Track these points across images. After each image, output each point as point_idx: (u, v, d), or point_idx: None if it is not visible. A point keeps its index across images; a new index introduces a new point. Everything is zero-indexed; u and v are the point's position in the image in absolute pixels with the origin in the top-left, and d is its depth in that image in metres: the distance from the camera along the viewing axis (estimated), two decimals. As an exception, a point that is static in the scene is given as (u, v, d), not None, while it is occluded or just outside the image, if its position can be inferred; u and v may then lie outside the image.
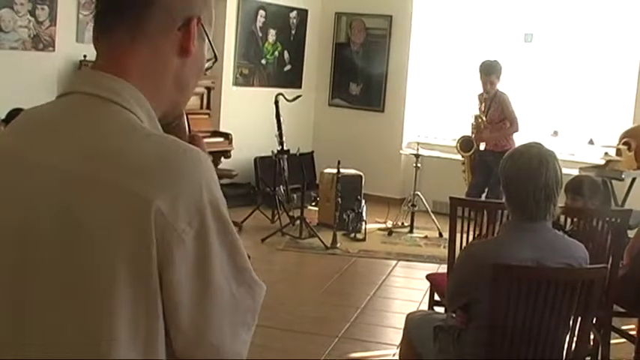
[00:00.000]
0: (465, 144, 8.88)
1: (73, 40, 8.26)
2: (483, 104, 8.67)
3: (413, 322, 4.17)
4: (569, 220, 4.92)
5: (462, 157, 8.99)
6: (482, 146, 8.79)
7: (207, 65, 1.66)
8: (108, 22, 1.54)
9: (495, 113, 8.56)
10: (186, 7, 1.54)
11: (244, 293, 1.48)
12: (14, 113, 6.41)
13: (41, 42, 7.97)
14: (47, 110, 1.58)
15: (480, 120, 8.66)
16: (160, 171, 1.38)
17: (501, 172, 3.53)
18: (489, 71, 8.47)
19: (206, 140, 9.09)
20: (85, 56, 8.16)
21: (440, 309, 4.97)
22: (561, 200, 3.71)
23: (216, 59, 1.69)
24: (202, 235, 1.39)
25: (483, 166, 8.58)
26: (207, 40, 1.60)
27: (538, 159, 3.40)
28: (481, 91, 8.70)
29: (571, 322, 3.51)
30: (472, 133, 8.84)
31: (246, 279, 1.49)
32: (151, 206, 1.34)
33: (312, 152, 11.21)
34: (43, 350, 1.40)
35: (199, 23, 1.55)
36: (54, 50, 8.08)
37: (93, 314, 1.38)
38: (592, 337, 4.63)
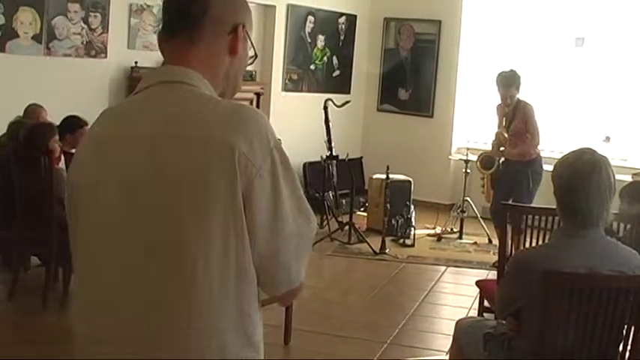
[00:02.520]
0: (485, 161, 8.62)
1: (125, 47, 8.36)
2: (505, 117, 8.14)
3: (463, 329, 4.14)
4: (622, 226, 4.85)
5: (482, 175, 8.77)
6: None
7: (249, 62, 2.04)
8: (172, 29, 1.92)
9: (520, 124, 8.02)
10: (234, 16, 1.93)
11: (303, 222, 1.85)
12: (69, 121, 6.51)
13: (94, 49, 8.08)
14: (130, 101, 1.99)
15: (501, 137, 8.20)
16: (237, 122, 1.78)
17: (553, 178, 3.49)
18: (508, 83, 7.96)
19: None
20: (136, 62, 8.25)
21: (490, 315, 4.93)
22: (614, 206, 3.66)
23: (256, 57, 2.08)
24: (274, 171, 1.78)
25: (508, 176, 8.16)
26: (249, 41, 1.98)
27: (590, 165, 3.35)
28: (499, 102, 8.22)
29: (624, 331, 3.46)
30: (492, 149, 8.46)
31: (304, 209, 1.86)
32: (235, 149, 1.73)
33: (361, 158, 11.20)
34: (146, 263, 1.77)
35: (244, 28, 1.95)
36: (106, 57, 8.19)
37: (192, 235, 1.74)
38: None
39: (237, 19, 1.93)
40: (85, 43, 7.97)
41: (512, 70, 8.04)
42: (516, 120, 8.05)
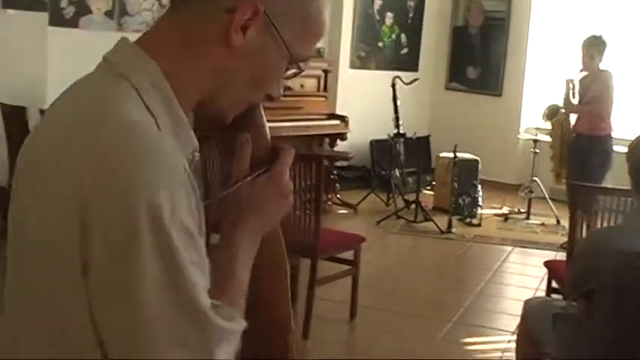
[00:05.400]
0: (551, 112, 8.50)
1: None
2: (579, 84, 7.91)
3: (531, 308, 4.12)
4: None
5: (551, 127, 8.63)
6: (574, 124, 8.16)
7: (287, 74, 1.39)
8: None
9: (599, 90, 7.76)
10: None
11: (186, 324, 1.16)
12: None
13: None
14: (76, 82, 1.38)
15: (571, 85, 7.94)
16: (97, 162, 1.14)
17: (628, 157, 3.44)
18: (588, 45, 7.76)
19: (322, 123, 9.18)
20: (206, 39, 8.32)
21: (557, 297, 4.89)
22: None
23: (300, 71, 1.37)
24: (130, 245, 1.11)
25: (577, 153, 7.95)
26: (281, 42, 1.29)
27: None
28: (570, 76, 8.05)
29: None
30: (564, 101, 8.16)
31: (194, 312, 1.17)
32: (74, 200, 1.13)
33: (429, 136, 11.14)
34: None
35: (256, 14, 1.25)
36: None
37: (26, 290, 1.25)
38: None
39: None
40: (155, 18, 8.04)
41: (598, 36, 7.85)
42: (594, 86, 7.82)
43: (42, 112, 6.04)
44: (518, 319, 4.40)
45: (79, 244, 1.13)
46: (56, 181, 1.17)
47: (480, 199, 9.17)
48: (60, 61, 6.75)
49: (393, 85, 9.06)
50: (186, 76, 1.27)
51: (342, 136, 9.39)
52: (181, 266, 1.14)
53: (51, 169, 1.18)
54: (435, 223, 8.52)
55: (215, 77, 1.29)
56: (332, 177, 8.98)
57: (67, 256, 1.15)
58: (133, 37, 1.33)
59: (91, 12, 7.47)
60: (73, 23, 7.30)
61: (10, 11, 6.56)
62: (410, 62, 11.25)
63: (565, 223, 8.34)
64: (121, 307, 1.13)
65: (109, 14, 7.62)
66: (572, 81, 8.03)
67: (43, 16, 6.79)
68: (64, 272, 1.16)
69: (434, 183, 9.74)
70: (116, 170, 1.13)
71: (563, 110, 8.33)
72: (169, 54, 1.26)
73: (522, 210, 9.41)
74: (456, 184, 8.78)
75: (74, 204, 1.13)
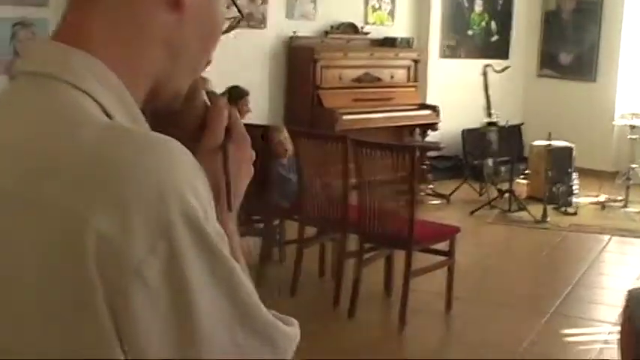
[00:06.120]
0: None
1: (283, 17, 8.48)
2: None
3: (635, 299, 4.00)
4: None
5: None
6: None
7: (227, 26, 1.18)
8: None
9: None
10: None
11: (256, 343, 0.97)
12: (232, 90, 6.65)
13: (253, 19, 8.22)
14: None
15: None
16: (103, 174, 0.89)
17: None
18: None
19: (413, 113, 9.14)
20: (294, 32, 8.35)
21: (661, 286, 4.75)
22: None
23: (242, 17, 1.22)
24: (175, 265, 0.88)
25: None
26: None
27: None
28: None
29: None
30: None
31: (256, 323, 0.96)
32: (86, 226, 0.86)
33: (521, 124, 10.95)
34: None
35: None
36: (265, 27, 8.32)
37: None
38: None
39: None
40: (245, 13, 8.11)
41: None
42: None
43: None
44: (618, 310, 4.30)
45: (100, 282, 0.86)
46: (42, 222, 0.89)
47: (575, 187, 8.99)
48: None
49: (484, 74, 8.97)
50: (134, 64, 1.04)
51: (433, 126, 9.32)
52: (236, 276, 0.94)
53: (32, 207, 0.90)
54: (529, 212, 8.39)
55: (167, 51, 1.07)
56: (424, 168, 8.92)
57: (82, 299, 0.87)
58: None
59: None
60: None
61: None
62: (501, 50, 11.09)
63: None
64: (173, 335, 0.89)
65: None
66: None
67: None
68: (86, 321, 0.87)
69: (527, 172, 9.59)
70: (136, 181, 0.89)
71: None
72: (108, 43, 1.01)
73: (620, 198, 9.19)
74: (550, 173, 8.63)
75: (80, 239, 0.86)
